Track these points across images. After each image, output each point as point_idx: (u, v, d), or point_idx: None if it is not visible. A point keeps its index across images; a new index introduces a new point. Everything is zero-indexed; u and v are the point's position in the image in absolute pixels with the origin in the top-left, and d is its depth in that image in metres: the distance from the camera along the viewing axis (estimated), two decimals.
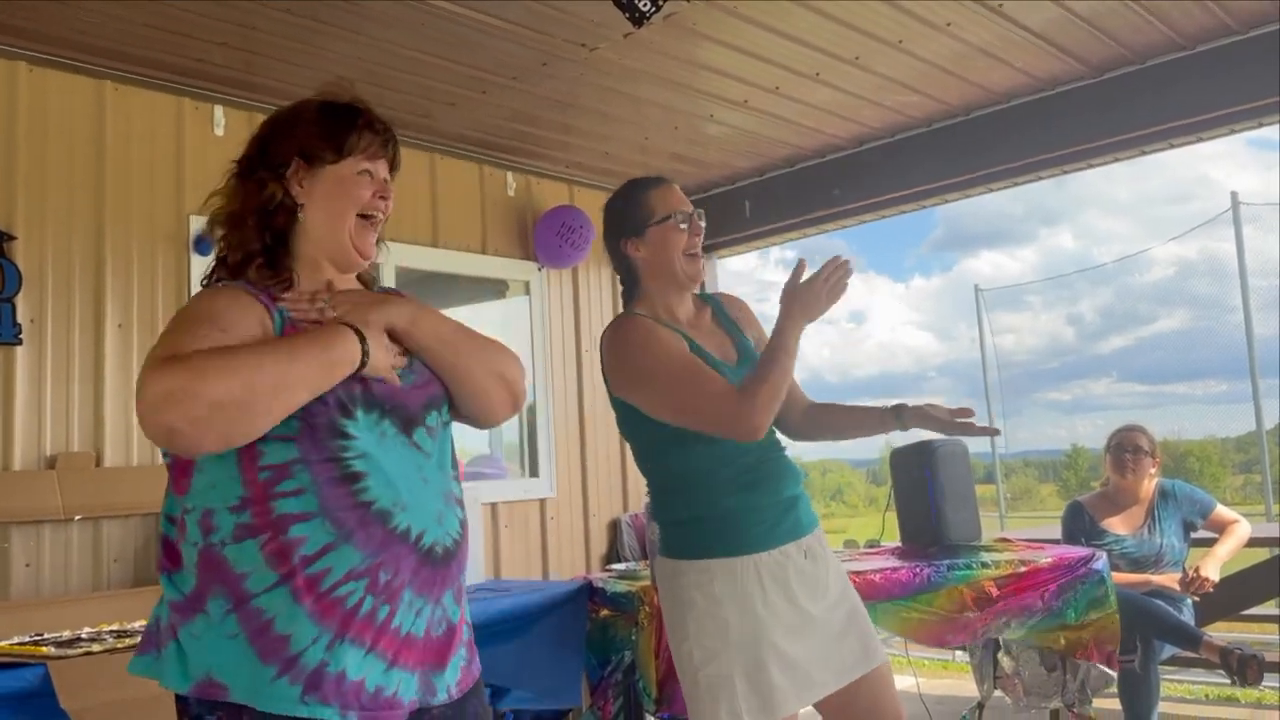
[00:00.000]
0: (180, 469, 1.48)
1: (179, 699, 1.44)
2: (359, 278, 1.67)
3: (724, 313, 2.36)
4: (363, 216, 1.59)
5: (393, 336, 1.55)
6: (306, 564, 1.39)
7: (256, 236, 1.55)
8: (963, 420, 2.24)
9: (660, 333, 2.17)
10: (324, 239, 1.58)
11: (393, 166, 1.64)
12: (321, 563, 1.40)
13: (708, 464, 2.15)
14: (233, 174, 1.60)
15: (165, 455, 1.51)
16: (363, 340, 1.45)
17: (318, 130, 1.58)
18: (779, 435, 2.30)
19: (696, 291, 2.35)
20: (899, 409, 2.30)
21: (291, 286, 1.54)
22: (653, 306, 2.27)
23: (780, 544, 2.15)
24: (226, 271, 1.57)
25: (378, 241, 1.65)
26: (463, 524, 1.58)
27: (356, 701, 1.40)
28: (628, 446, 5.41)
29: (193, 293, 3.52)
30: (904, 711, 2.25)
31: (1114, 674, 3.64)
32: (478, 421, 1.71)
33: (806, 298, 2.10)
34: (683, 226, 2.24)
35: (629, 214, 2.29)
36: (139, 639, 2.41)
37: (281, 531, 1.40)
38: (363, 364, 1.45)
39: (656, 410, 2.15)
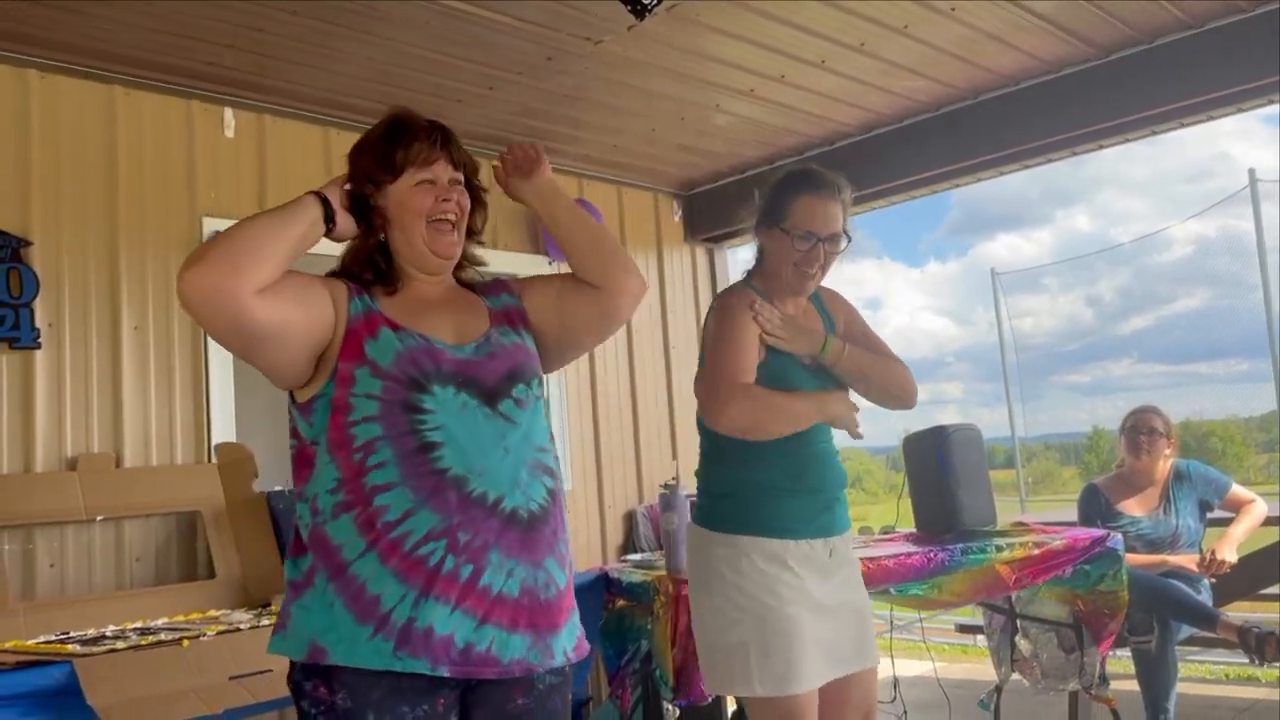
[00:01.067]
0: (301, 461, 1.63)
1: (290, 668, 1.59)
2: (462, 281, 1.82)
3: (822, 307, 2.46)
4: (435, 222, 1.71)
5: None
6: (390, 529, 1.52)
7: (364, 271, 1.71)
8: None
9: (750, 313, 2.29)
10: (405, 252, 1.72)
11: (456, 164, 1.75)
12: (403, 526, 1.53)
13: (762, 445, 2.22)
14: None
15: (291, 447, 1.65)
16: (325, 204, 1.63)
17: (374, 157, 1.72)
18: (832, 436, 2.38)
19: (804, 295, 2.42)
20: None
21: (396, 292, 1.70)
22: (768, 286, 2.38)
23: (810, 538, 2.23)
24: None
25: (479, 243, 1.84)
26: (550, 492, 1.67)
27: (446, 656, 1.51)
28: (641, 440, 5.43)
29: None
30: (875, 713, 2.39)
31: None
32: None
33: (794, 339, 2.27)
34: (799, 248, 2.31)
35: (768, 206, 2.39)
36: (162, 635, 2.47)
37: (368, 503, 1.53)
38: (329, 229, 1.63)
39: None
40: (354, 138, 4.38)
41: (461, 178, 1.76)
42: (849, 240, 2.38)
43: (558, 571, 1.64)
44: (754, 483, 2.23)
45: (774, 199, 2.36)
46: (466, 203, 1.76)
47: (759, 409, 2.18)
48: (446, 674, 1.50)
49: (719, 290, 5.60)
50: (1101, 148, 4.42)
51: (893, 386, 2.37)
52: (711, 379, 2.22)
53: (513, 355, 1.70)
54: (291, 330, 1.54)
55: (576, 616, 1.70)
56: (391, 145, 1.70)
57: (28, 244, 3.21)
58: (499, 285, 1.85)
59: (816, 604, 2.20)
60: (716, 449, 2.31)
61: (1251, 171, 7.86)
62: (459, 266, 1.80)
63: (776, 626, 2.14)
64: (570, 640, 1.66)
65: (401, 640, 1.49)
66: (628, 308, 1.80)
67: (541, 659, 1.59)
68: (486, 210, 1.84)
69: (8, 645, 2.52)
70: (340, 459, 1.56)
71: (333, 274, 1.72)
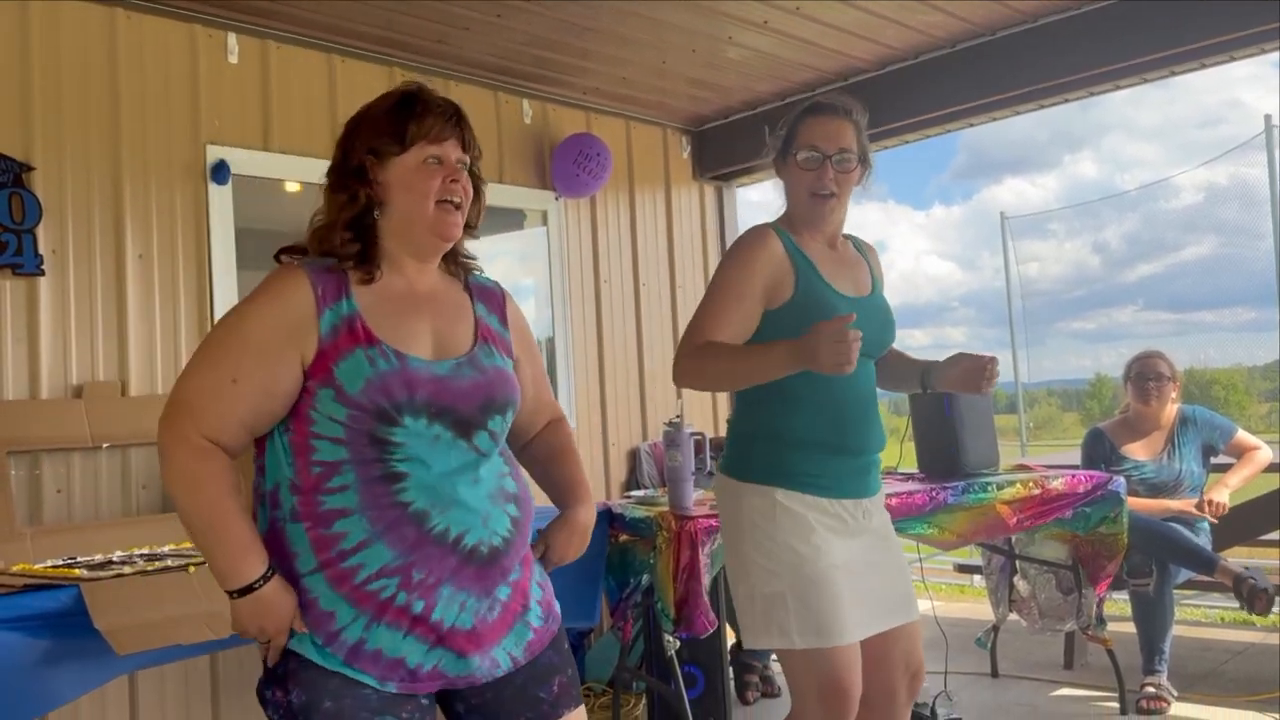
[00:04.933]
0: (257, 441, 1.57)
1: (260, 680, 1.59)
2: (453, 272, 1.71)
3: (865, 257, 2.43)
4: (441, 203, 1.61)
5: None
6: (343, 558, 1.49)
7: (345, 243, 1.59)
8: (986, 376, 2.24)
9: (761, 254, 2.21)
10: (403, 230, 1.62)
11: (465, 147, 1.65)
12: (356, 558, 1.49)
13: (805, 391, 2.16)
14: (325, 186, 1.65)
15: None
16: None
17: (382, 125, 1.61)
18: (877, 395, 2.37)
19: (828, 230, 2.34)
20: (925, 372, 2.36)
21: (375, 279, 1.58)
22: (794, 226, 2.31)
23: (841, 498, 2.20)
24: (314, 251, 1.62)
25: (469, 228, 1.69)
26: (515, 521, 1.61)
27: (394, 674, 1.51)
28: (646, 377, 5.40)
29: (212, 224, 3.55)
30: (924, 671, 2.36)
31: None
32: None
33: (811, 350, 2.03)
34: (806, 168, 2.26)
35: (781, 143, 2.34)
36: (169, 561, 2.48)
37: (324, 524, 1.50)
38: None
39: None
40: (359, 66, 4.29)
41: (468, 161, 1.65)
42: (865, 163, 2.31)
43: (505, 589, 1.60)
44: (795, 434, 2.17)
45: (786, 133, 2.33)
46: (470, 188, 1.66)
47: (702, 365, 2.16)
48: (395, 690, 1.50)
49: (726, 230, 5.50)
50: (1118, 88, 4.34)
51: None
52: (686, 330, 2.21)
53: (493, 382, 1.61)
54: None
55: (536, 612, 1.66)
56: (404, 116, 1.59)
57: (30, 169, 3.17)
58: (494, 300, 1.75)
59: (851, 558, 2.17)
60: (757, 394, 2.20)
61: (1268, 117, 7.72)
62: (448, 253, 1.71)
63: (813, 577, 2.11)
64: (518, 643, 1.62)
65: (351, 656, 1.49)
66: None
67: (489, 671, 1.58)
68: (483, 203, 1.72)
69: (15, 568, 2.54)
70: (299, 465, 1.52)
71: (294, 250, 1.62)
